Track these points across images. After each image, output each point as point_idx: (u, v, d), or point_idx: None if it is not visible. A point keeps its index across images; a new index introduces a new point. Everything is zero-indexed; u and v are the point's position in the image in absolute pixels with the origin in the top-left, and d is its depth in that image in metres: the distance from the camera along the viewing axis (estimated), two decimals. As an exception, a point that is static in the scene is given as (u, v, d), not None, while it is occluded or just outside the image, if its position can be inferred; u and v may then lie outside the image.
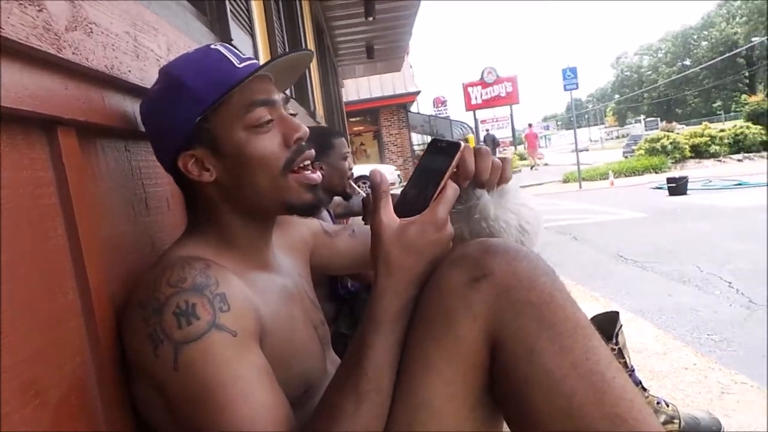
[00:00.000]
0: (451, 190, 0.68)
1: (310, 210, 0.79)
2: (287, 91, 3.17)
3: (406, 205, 0.68)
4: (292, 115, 0.80)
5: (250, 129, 0.74)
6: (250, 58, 0.79)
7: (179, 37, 1.12)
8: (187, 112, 0.73)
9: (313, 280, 1.02)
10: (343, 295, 1.96)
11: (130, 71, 0.84)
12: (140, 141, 0.94)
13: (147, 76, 0.91)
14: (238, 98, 0.73)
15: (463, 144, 0.70)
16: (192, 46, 1.08)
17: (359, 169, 15.09)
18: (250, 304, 0.69)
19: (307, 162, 0.78)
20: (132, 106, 0.88)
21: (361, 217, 2.05)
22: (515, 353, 0.61)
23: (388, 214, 0.67)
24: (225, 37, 1.94)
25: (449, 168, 0.68)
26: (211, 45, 0.79)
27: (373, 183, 0.69)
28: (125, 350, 0.70)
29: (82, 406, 0.65)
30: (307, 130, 0.78)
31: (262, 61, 0.79)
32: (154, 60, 0.95)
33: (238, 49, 0.80)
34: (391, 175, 14.07)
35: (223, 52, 0.77)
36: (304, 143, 0.78)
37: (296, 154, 0.76)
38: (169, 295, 0.64)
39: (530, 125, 23.64)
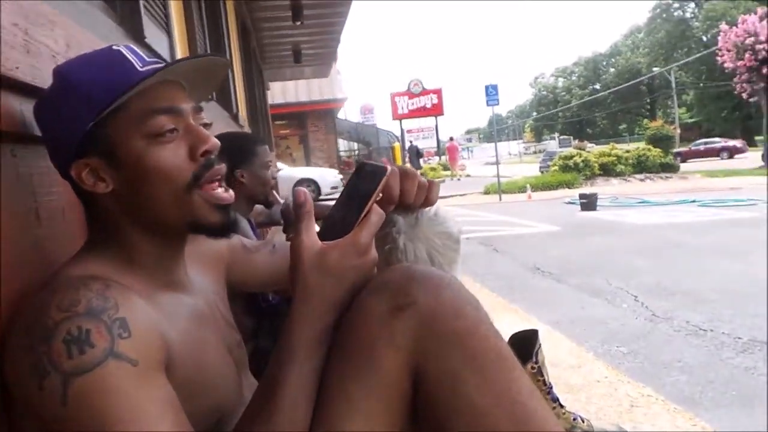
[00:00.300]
0: (376, 215, 0.65)
1: (218, 231, 0.72)
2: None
3: (330, 229, 0.65)
4: (205, 125, 0.73)
5: (150, 138, 0.67)
6: (156, 62, 0.71)
7: (81, 32, 1.01)
8: (80, 116, 0.65)
9: (230, 293, 0.95)
10: (263, 308, 1.87)
11: (17, 67, 0.73)
12: (31, 145, 0.83)
13: (40, 75, 0.80)
14: (138, 104, 0.66)
15: (389, 168, 0.68)
16: (97, 44, 0.97)
17: (302, 172, 14.42)
18: (155, 330, 0.62)
19: (217, 178, 0.71)
20: (21, 107, 0.77)
21: (282, 228, 1.97)
22: (439, 384, 0.59)
23: (309, 236, 0.64)
24: (137, 35, 1.79)
25: (375, 192, 0.66)
26: (114, 45, 0.71)
27: (297, 202, 0.65)
28: (6, 384, 0.59)
29: None
30: (218, 142, 0.71)
31: None
32: (49, 57, 0.84)
33: (146, 52, 0.72)
34: (334, 178, 13.91)
35: (125, 53, 0.69)
36: (213, 157, 0.70)
37: (204, 169, 0.69)
38: (59, 320, 0.56)
39: (451, 138, 24.61)
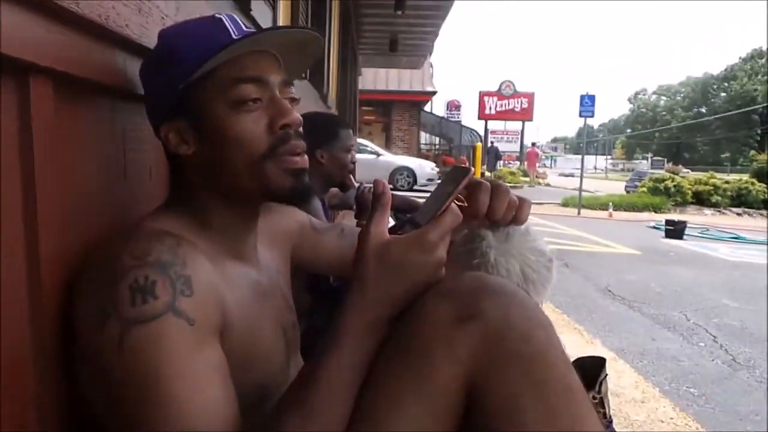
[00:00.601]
0: (451, 215, 0.62)
1: (292, 197, 0.71)
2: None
3: (407, 225, 0.64)
4: (292, 100, 0.72)
5: (234, 106, 0.67)
6: (251, 31, 0.71)
7: (191, -1, 1.04)
8: (173, 79, 0.67)
9: (293, 269, 0.96)
10: (323, 289, 1.89)
11: (127, 25, 0.76)
12: (131, 102, 0.86)
13: (148, 35, 0.83)
14: (226, 71, 0.67)
15: (472, 169, 0.66)
16: (205, 11, 1.00)
17: (401, 160, 14.50)
18: (216, 294, 0.63)
19: (294, 153, 0.71)
20: (126, 64, 0.80)
21: (353, 214, 1.98)
22: (495, 408, 0.55)
23: (378, 227, 0.62)
24: (244, 6, 1.85)
25: (454, 191, 0.64)
26: (217, 14, 0.72)
27: (375, 192, 0.64)
28: (73, 322, 0.62)
29: (12, 387, 0.58)
30: (300, 118, 0.70)
31: None
32: (159, 18, 0.87)
33: (247, 23, 0.73)
34: (431, 171, 13.88)
35: (225, 21, 0.70)
36: (292, 131, 0.70)
37: (280, 141, 0.69)
38: (129, 267, 0.57)
39: (533, 144, 24.03)
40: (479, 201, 0.67)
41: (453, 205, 0.64)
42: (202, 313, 0.59)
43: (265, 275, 0.80)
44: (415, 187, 12.99)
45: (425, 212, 0.64)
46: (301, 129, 0.72)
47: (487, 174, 16.03)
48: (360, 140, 14.64)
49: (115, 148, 0.83)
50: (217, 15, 0.72)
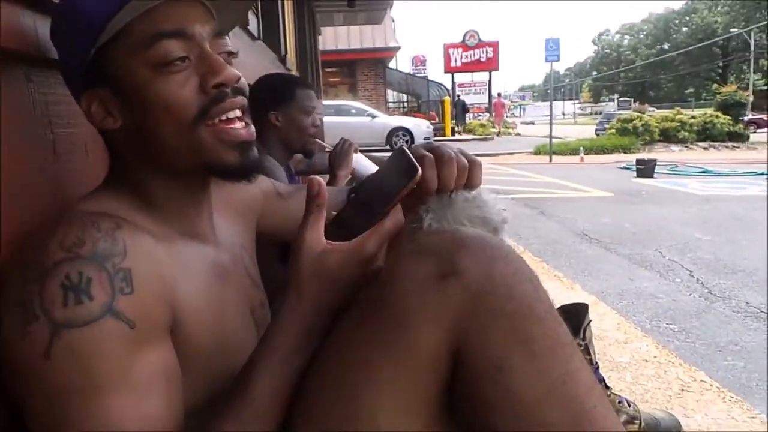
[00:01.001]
0: (392, 222, 0.59)
1: (236, 173, 0.63)
2: (254, 31, 2.90)
3: (343, 223, 0.61)
4: (229, 54, 0.63)
5: (156, 67, 0.58)
6: None
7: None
8: (82, 41, 0.58)
9: (264, 239, 0.89)
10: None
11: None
12: (48, 70, 0.76)
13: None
14: (141, 26, 0.57)
15: (420, 171, 0.58)
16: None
17: (397, 120, 14.59)
18: (163, 285, 0.56)
19: (234, 114, 0.62)
20: (36, 25, 0.70)
21: (327, 177, 1.89)
22: (481, 369, 0.51)
23: (313, 232, 0.59)
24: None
25: (398, 195, 0.58)
26: None
27: (310, 193, 0.60)
28: None
29: None
30: (237, 74, 0.61)
31: None
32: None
33: None
34: (427, 129, 13.83)
35: None
36: (228, 90, 0.61)
37: (213, 102, 0.60)
38: (59, 260, 0.50)
39: (499, 94, 24.40)
40: (428, 180, 0.62)
41: (397, 206, 0.60)
42: (143, 313, 0.52)
43: (225, 253, 0.72)
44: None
45: (363, 208, 0.60)
46: (241, 86, 0.63)
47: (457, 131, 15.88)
48: (354, 103, 14.24)
49: (38, 123, 0.73)
50: None
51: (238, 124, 0.62)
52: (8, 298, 0.51)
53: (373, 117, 13.55)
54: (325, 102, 11.32)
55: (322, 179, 0.61)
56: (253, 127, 0.65)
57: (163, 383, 0.53)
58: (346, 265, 0.58)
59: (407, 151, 0.60)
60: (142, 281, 0.53)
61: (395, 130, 13.47)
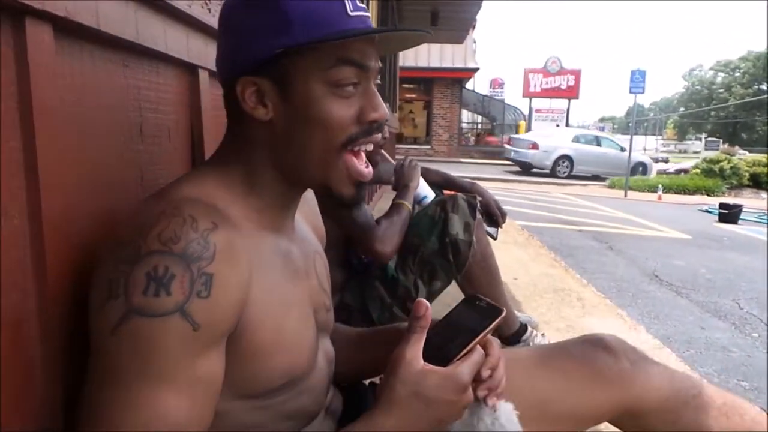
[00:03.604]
0: (478, 355, 0.63)
1: (344, 203, 0.69)
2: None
3: (428, 351, 0.63)
4: (378, 86, 0.68)
5: (330, 86, 0.63)
6: (364, 8, 0.65)
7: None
8: (273, 38, 0.61)
9: (326, 244, 0.92)
10: (355, 264, 1.85)
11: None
12: (143, 59, 0.82)
13: (160, -17, 0.78)
14: (332, 47, 0.61)
15: (503, 311, 0.66)
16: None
17: (563, 149, 14.84)
18: (239, 292, 0.58)
19: (370, 147, 0.68)
20: (137, 16, 0.75)
21: (391, 187, 1.92)
22: None
23: (413, 351, 0.62)
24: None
25: (484, 331, 0.64)
26: None
27: (415, 314, 0.63)
28: (88, 289, 0.58)
29: (15, 346, 0.55)
30: (387, 115, 0.67)
31: None
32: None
33: None
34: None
35: None
36: (376, 126, 0.67)
37: (363, 134, 0.65)
38: (153, 250, 0.53)
39: (557, 125, 23.68)
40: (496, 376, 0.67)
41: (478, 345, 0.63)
42: (212, 318, 0.55)
43: (301, 252, 0.74)
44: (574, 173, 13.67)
45: (447, 341, 0.63)
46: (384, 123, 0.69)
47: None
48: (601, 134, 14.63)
49: (129, 106, 0.79)
50: None
51: (363, 161, 0.67)
52: (101, 273, 0.55)
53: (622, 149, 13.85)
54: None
55: (429, 304, 0.64)
56: (371, 169, 0.69)
57: (204, 389, 0.55)
58: (443, 388, 0.60)
59: (483, 297, 0.68)
60: (219, 288, 0.55)
61: (561, 158, 14.00)
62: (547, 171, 14.58)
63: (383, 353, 0.84)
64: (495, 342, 0.68)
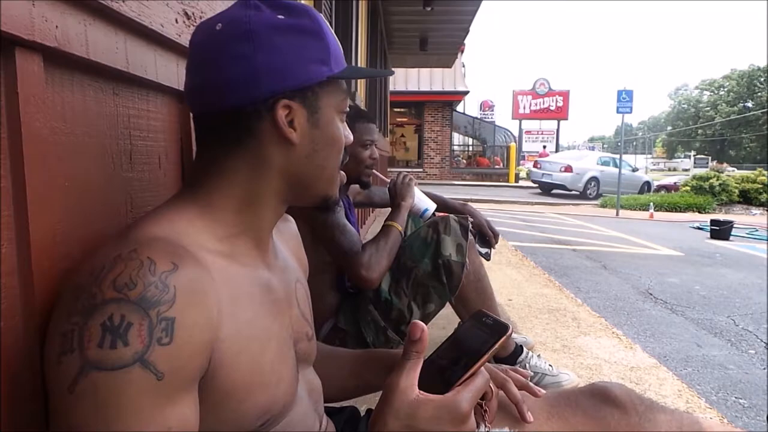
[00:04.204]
0: (483, 379, 0.59)
1: (330, 205, 0.75)
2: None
3: (428, 376, 0.59)
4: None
5: (338, 113, 0.71)
6: (361, 69, 0.77)
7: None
8: (319, 68, 0.66)
9: (320, 268, 0.92)
10: (347, 288, 1.84)
11: (124, 1, 0.72)
12: (133, 87, 0.82)
13: (148, 14, 0.79)
14: (342, 84, 0.72)
15: (510, 327, 0.62)
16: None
17: (593, 171, 15.28)
18: (207, 332, 0.55)
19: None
20: (126, 45, 0.76)
21: (388, 209, 1.90)
22: None
23: (407, 380, 0.58)
24: None
25: (488, 351, 0.60)
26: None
27: (411, 337, 0.60)
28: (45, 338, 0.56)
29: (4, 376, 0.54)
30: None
31: None
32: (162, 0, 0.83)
33: None
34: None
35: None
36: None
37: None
38: (107, 299, 0.50)
39: (544, 147, 25.13)
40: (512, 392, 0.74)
41: (483, 367, 0.60)
42: (177, 365, 0.51)
43: (281, 281, 0.73)
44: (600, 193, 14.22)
45: (450, 364, 0.60)
46: None
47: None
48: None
49: (119, 133, 0.79)
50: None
51: None
52: (54, 326, 0.53)
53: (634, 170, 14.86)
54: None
55: (425, 326, 0.60)
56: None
57: None
58: (439, 419, 0.56)
59: (489, 313, 0.65)
60: (183, 331, 0.52)
61: (590, 180, 14.62)
62: (577, 193, 15.40)
63: (379, 376, 0.84)
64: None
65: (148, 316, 0.50)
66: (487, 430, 0.65)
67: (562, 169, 15.32)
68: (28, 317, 0.58)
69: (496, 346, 0.60)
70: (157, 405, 0.50)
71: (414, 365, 0.59)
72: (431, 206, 1.95)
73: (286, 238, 0.83)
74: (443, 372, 0.59)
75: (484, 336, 0.61)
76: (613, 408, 0.80)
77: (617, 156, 13.62)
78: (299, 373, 0.72)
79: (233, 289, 0.60)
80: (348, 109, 0.73)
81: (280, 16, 0.64)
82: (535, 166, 17.00)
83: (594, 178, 15.35)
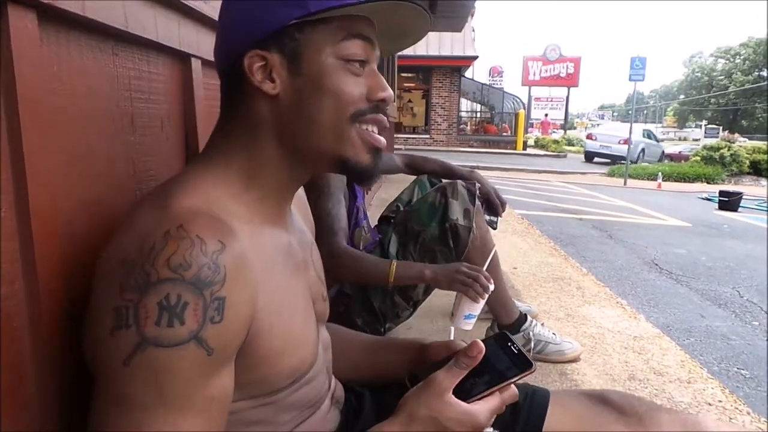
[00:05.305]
0: (500, 401, 0.66)
1: (362, 174, 0.67)
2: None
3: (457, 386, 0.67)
4: None
5: (341, 60, 0.63)
6: None
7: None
8: (284, 10, 0.61)
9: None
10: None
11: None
12: (133, 47, 0.80)
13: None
14: (342, 24, 0.63)
15: (535, 367, 0.68)
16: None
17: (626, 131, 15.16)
18: (247, 311, 0.57)
19: (375, 130, 0.68)
20: (123, 3, 0.73)
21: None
22: None
23: (449, 382, 0.66)
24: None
25: (511, 379, 0.67)
26: None
27: (468, 352, 0.67)
28: (91, 291, 0.56)
29: (3, 339, 0.54)
30: (393, 97, 0.68)
31: None
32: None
33: None
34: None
35: None
36: (385, 107, 0.68)
37: (372, 110, 0.66)
38: (163, 278, 0.51)
39: (546, 115, 25.29)
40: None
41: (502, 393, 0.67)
42: (223, 341, 0.54)
43: (299, 243, 0.74)
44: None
45: (480, 377, 0.67)
46: (389, 106, 0.70)
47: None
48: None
49: (120, 95, 0.77)
50: None
51: (376, 132, 0.68)
52: (105, 300, 0.53)
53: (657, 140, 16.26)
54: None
55: (484, 349, 0.67)
56: (384, 140, 0.69)
57: (218, 406, 0.56)
58: (460, 423, 0.64)
59: (515, 341, 0.71)
60: (231, 310, 0.54)
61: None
62: (632, 161, 16.58)
63: (395, 362, 0.85)
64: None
65: (203, 296, 0.52)
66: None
67: (621, 142, 16.05)
68: (29, 282, 0.57)
69: (518, 378, 0.67)
70: (204, 378, 0.53)
71: (459, 373, 0.66)
72: (475, 312, 1.57)
73: (296, 202, 0.82)
74: (465, 381, 0.66)
75: (509, 363, 0.68)
76: (611, 409, 0.80)
77: (652, 128, 13.92)
78: (318, 335, 0.74)
79: (263, 259, 0.62)
80: (361, 55, 0.64)
81: None
82: (588, 137, 18.33)
83: (643, 149, 17.11)
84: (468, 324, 1.49)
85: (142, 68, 0.83)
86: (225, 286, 0.54)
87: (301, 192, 0.87)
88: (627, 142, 16.03)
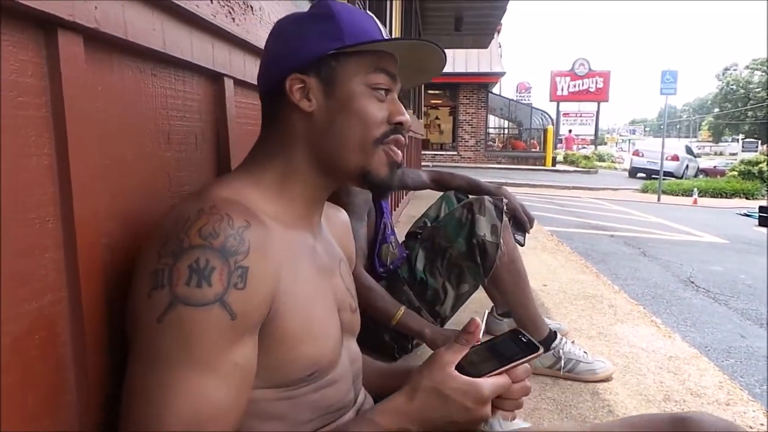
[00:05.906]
0: (506, 380, 0.69)
1: (380, 186, 0.75)
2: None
3: (464, 364, 0.70)
4: (403, 92, 0.74)
5: (368, 88, 0.73)
6: (401, 37, 0.79)
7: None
8: (325, 41, 0.72)
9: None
10: (380, 272, 1.85)
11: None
12: (170, 67, 0.84)
13: (187, -6, 0.79)
14: (371, 58, 0.74)
15: (541, 350, 0.72)
16: None
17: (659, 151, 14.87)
18: (271, 282, 0.63)
19: (400, 145, 0.77)
20: (163, 27, 0.77)
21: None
22: None
23: (450, 356, 0.69)
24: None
25: (518, 361, 0.70)
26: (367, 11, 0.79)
27: (467, 328, 0.71)
28: (133, 274, 0.62)
29: (46, 345, 0.57)
30: (410, 122, 0.78)
31: None
32: None
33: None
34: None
35: (376, 21, 0.78)
36: (404, 130, 0.77)
37: (392, 132, 0.75)
38: (194, 244, 0.58)
39: (570, 131, 25.76)
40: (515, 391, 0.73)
41: (507, 373, 0.70)
42: (246, 308, 0.60)
43: (325, 251, 0.79)
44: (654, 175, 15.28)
45: (483, 360, 0.70)
46: (408, 130, 0.78)
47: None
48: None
49: (158, 113, 0.80)
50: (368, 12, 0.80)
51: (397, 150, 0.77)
52: (145, 265, 0.60)
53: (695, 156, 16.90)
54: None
55: (481, 323, 0.72)
56: (401, 154, 0.77)
57: (241, 375, 0.60)
58: (462, 393, 0.66)
59: (526, 333, 0.74)
60: (254, 280, 0.60)
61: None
62: (679, 178, 16.96)
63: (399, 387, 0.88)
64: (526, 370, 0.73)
65: (228, 263, 0.58)
66: (498, 420, 0.73)
67: (669, 158, 16.32)
68: (72, 289, 0.60)
69: (526, 359, 0.70)
70: (228, 341, 0.58)
71: (460, 349, 0.70)
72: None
73: (334, 223, 0.90)
74: (475, 365, 0.70)
75: (517, 349, 0.72)
76: None
77: (690, 144, 13.92)
78: (343, 339, 0.78)
79: (289, 250, 0.68)
80: (385, 85, 0.74)
81: (296, 14, 0.77)
82: (635, 154, 18.88)
83: (687, 165, 17.70)
84: None
85: (178, 87, 0.86)
86: (248, 257, 0.60)
87: (345, 217, 0.95)
88: (675, 158, 16.33)
